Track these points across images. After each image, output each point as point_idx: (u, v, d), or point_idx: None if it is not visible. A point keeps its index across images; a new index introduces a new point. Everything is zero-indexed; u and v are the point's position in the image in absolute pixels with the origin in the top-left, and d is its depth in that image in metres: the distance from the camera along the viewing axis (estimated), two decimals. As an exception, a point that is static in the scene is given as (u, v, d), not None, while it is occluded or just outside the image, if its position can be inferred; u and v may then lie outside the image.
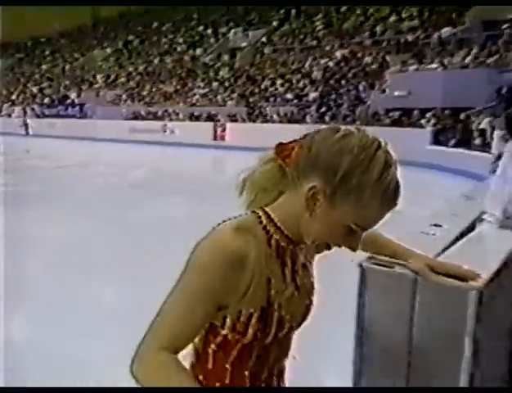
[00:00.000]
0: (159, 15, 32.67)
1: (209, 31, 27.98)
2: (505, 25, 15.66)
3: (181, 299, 0.89)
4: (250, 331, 0.92)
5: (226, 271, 0.88)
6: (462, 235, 1.66)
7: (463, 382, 1.14)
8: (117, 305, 3.94)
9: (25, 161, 13.95)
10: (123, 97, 25.11)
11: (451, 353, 1.16)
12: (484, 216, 1.94)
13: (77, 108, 25.60)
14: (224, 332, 0.93)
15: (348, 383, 1.34)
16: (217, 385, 0.96)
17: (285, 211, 0.95)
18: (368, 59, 18.93)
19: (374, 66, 18.32)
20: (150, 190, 9.49)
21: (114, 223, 6.57)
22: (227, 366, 0.96)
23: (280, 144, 0.97)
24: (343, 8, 24.08)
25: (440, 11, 19.59)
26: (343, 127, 0.94)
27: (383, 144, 0.91)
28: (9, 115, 28.17)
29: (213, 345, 0.96)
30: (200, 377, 0.97)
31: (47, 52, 35.79)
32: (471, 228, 1.91)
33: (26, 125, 25.93)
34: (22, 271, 4.48)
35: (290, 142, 0.96)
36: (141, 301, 3.61)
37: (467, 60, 15.03)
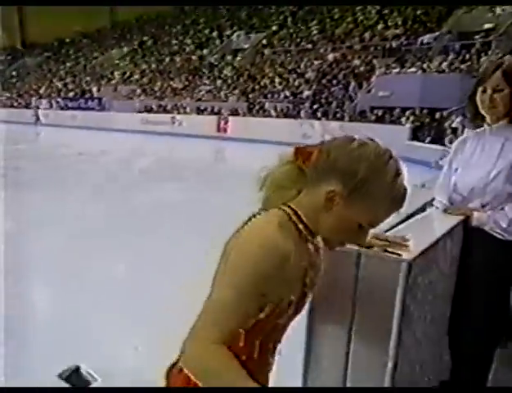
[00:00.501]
0: (170, 19, 32.33)
1: (215, 34, 27.66)
2: (477, 36, 15.60)
3: (233, 296, 0.87)
4: (286, 315, 0.93)
5: (278, 270, 0.87)
6: (411, 216, 1.70)
7: (393, 341, 1.20)
8: (126, 281, 3.86)
9: (45, 149, 13.91)
10: (137, 91, 24.93)
11: (385, 316, 1.21)
12: (434, 202, 1.99)
13: (96, 101, 25.46)
14: (261, 316, 0.91)
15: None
16: (244, 358, 0.92)
17: (306, 209, 0.94)
18: (357, 62, 18.79)
19: (362, 69, 18.18)
20: (159, 176, 9.50)
21: (126, 205, 6.59)
22: (257, 342, 0.95)
23: (299, 148, 0.97)
24: (336, 15, 23.81)
25: (421, 20, 19.41)
26: (357, 137, 0.95)
27: (393, 154, 0.93)
28: (37, 107, 28.09)
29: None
30: None
31: (70, 52, 35.43)
32: (422, 211, 1.95)
33: (37, 115, 26.01)
34: (35, 249, 4.40)
35: (308, 147, 0.97)
36: (149, 277, 3.65)
37: (443, 65, 14.95)
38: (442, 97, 12.84)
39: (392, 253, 1.17)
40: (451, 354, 2.01)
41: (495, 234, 1.77)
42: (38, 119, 25.96)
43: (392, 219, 1.59)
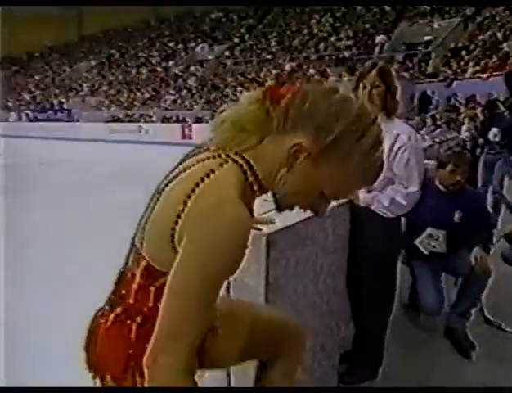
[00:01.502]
0: (136, 32, 31.95)
1: (180, 46, 27.58)
2: (419, 47, 16.30)
3: (199, 287, 0.68)
4: None
5: (244, 250, 0.72)
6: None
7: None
8: (90, 286, 3.79)
9: (15, 160, 13.43)
10: (105, 102, 24.52)
11: (255, 288, 1.27)
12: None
13: (65, 113, 24.81)
14: None
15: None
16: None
17: (264, 162, 0.76)
18: (312, 71, 19.16)
19: (317, 77, 18.54)
20: (125, 181, 9.34)
21: (94, 209, 6.45)
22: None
23: (270, 87, 0.80)
24: (294, 28, 24.21)
25: (371, 33, 20.02)
26: (340, 89, 0.77)
27: (379, 119, 0.76)
28: (6, 120, 27.07)
29: (157, 284, 0.79)
30: (138, 319, 0.81)
31: (39, 65, 34.41)
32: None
33: None
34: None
35: (281, 88, 0.79)
36: (105, 273, 3.56)
37: (389, 73, 15.46)
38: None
39: (254, 228, 1.23)
40: (355, 324, 2.11)
41: (379, 213, 1.89)
42: None
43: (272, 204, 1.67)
